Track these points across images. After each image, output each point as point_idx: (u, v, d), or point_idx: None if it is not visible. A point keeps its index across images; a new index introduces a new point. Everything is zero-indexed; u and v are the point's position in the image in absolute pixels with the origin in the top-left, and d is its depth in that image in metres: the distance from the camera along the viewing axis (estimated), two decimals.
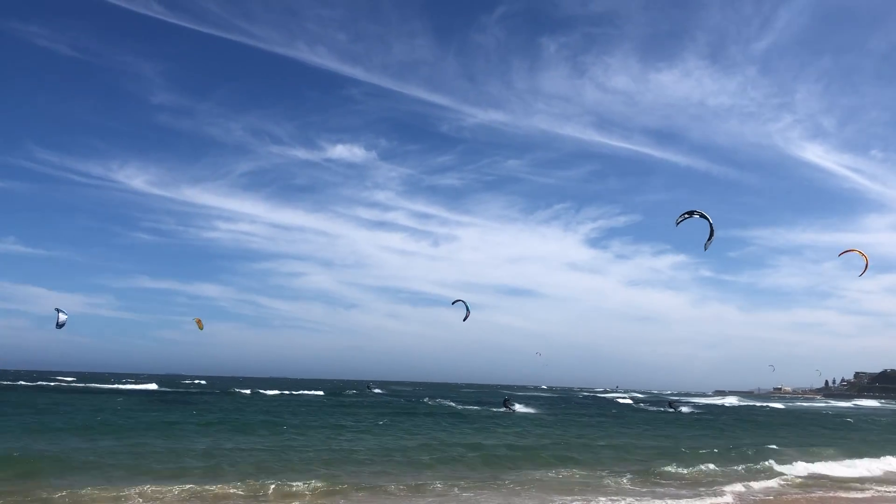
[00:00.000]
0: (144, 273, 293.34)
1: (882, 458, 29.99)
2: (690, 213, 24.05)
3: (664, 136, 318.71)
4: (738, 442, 36.01)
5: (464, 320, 35.30)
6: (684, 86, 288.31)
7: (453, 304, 35.55)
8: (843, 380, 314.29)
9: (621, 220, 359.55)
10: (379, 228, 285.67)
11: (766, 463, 26.92)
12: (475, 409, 58.20)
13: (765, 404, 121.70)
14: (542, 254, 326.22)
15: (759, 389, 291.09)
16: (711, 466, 25.41)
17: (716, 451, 30.63)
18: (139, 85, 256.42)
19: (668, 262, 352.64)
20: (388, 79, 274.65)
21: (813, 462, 27.99)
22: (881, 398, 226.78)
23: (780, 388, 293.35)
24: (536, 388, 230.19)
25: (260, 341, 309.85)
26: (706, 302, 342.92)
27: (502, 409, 55.69)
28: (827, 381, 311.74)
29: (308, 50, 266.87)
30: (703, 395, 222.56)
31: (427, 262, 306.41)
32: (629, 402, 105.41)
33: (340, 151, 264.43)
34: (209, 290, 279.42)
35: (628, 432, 40.22)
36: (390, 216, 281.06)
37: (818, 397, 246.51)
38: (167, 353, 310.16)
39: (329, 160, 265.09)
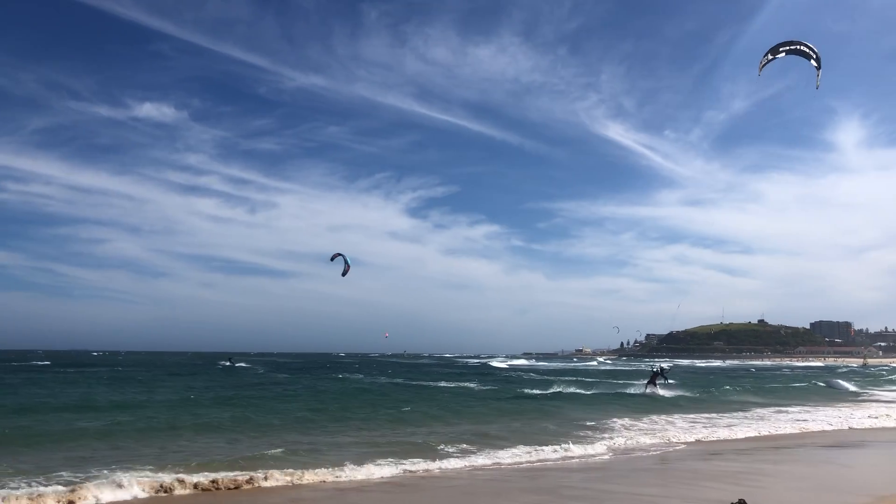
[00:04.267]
0: None
1: None
2: (774, 53, 16.84)
3: (481, 110, 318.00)
4: None
5: (343, 275, 31.28)
6: (500, 61, 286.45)
7: (332, 259, 31.59)
8: (636, 341, 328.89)
9: (440, 191, 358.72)
10: (191, 193, 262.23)
11: None
12: None
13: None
14: (364, 222, 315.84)
15: (562, 351, 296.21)
16: None
17: None
18: None
19: (482, 231, 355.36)
20: (201, 35, 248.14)
21: None
22: (671, 357, 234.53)
23: (581, 350, 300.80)
24: (365, 357, 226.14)
25: (58, 312, 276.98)
26: (517, 270, 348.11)
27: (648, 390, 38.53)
28: (622, 343, 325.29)
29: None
30: (514, 356, 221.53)
31: (243, 229, 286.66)
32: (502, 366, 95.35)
33: (148, 110, 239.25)
34: None
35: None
36: (203, 180, 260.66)
37: (615, 357, 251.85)
38: None
39: (135, 119, 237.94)
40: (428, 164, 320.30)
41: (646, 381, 40.43)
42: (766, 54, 17.10)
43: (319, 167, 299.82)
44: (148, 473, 11.91)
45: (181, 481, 11.31)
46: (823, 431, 20.30)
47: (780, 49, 16.83)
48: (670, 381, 49.24)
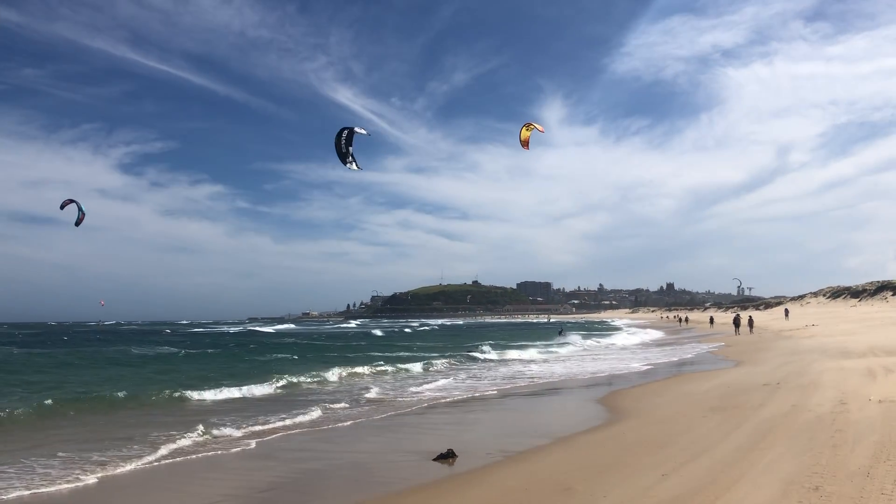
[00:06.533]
0: None
1: None
2: (346, 155, 16.36)
3: (204, 63, 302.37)
4: None
5: (77, 224, 26.86)
6: (224, 13, 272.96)
7: (62, 207, 26.63)
8: (362, 302, 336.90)
9: (157, 147, 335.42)
10: None
11: None
12: None
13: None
14: (67, 178, 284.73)
15: (289, 315, 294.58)
16: None
17: None
18: None
19: (205, 191, 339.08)
20: None
21: None
22: (390, 317, 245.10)
23: (308, 313, 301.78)
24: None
25: None
26: (242, 233, 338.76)
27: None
28: (349, 305, 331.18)
29: None
30: (241, 322, 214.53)
31: None
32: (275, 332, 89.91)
33: None
34: None
35: None
36: None
37: (342, 319, 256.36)
38: None
39: None
40: (143, 117, 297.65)
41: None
42: (347, 162, 16.67)
43: (12, 114, 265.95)
44: None
45: None
46: (529, 384, 22.43)
47: (346, 148, 16.54)
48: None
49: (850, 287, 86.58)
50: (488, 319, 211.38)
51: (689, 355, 32.65)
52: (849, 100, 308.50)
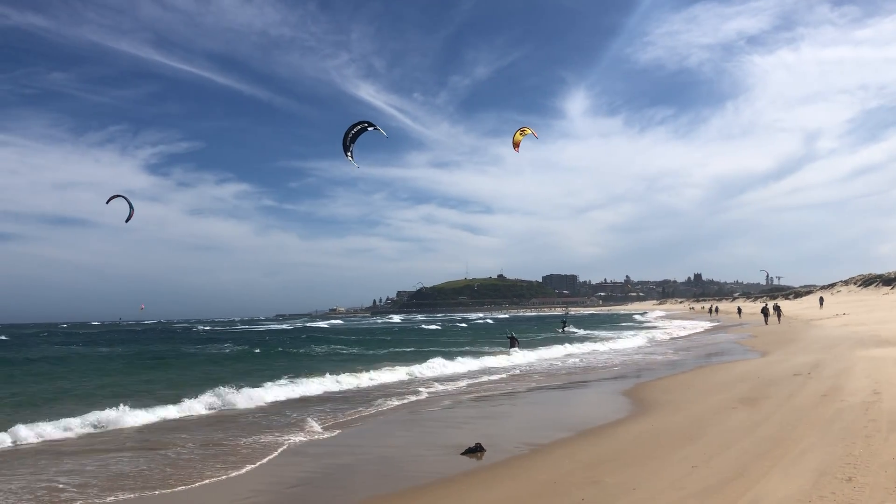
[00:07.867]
0: None
1: None
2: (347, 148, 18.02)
3: (227, 62, 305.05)
4: None
5: (126, 221, 27.42)
6: (246, 12, 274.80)
7: (108, 202, 27.10)
8: (387, 298, 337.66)
9: (183, 146, 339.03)
10: None
11: None
12: None
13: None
14: (96, 179, 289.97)
15: (316, 311, 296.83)
16: None
17: None
18: None
19: (231, 190, 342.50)
20: None
21: None
22: (417, 312, 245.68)
23: (335, 309, 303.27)
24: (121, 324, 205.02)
25: None
26: (268, 230, 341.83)
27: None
28: (375, 301, 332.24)
29: None
30: (268, 319, 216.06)
31: None
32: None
33: None
34: None
35: None
36: None
37: (368, 315, 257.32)
38: None
39: None
40: (169, 118, 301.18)
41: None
42: (348, 153, 18.32)
43: (41, 117, 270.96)
44: None
45: None
46: (546, 380, 22.40)
47: (350, 143, 17.90)
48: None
49: (882, 275, 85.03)
50: (521, 313, 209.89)
51: (718, 345, 32.36)
52: (879, 84, 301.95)
